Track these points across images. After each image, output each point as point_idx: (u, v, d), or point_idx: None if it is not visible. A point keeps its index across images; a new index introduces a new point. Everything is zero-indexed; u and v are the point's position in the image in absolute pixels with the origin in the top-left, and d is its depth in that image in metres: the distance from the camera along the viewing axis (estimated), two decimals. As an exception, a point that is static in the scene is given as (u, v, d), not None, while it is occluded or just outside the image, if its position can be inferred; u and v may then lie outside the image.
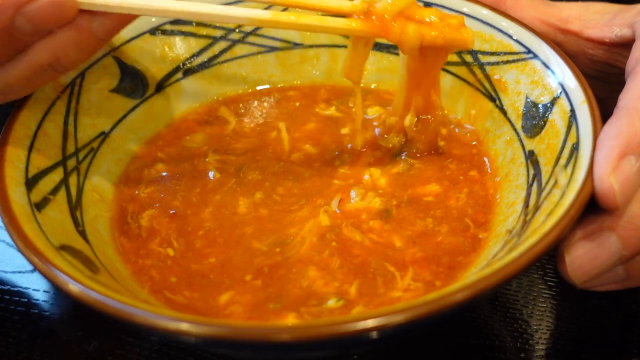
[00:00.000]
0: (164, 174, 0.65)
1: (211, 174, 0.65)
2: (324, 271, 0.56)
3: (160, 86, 0.71)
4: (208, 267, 0.57)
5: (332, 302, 0.54)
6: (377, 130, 0.68)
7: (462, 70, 0.69)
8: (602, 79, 0.66)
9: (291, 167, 0.65)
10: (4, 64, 0.54)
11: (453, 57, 0.69)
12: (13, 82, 0.55)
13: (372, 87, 0.74)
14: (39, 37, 0.53)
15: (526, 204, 0.57)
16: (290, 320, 0.52)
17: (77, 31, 0.53)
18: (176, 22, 0.71)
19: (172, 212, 0.62)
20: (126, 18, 0.56)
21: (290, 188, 0.63)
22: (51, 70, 0.55)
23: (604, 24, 0.64)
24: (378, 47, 0.73)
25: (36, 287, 0.65)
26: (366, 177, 0.64)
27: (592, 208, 0.50)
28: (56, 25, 0.53)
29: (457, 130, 0.68)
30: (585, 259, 0.51)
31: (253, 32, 0.73)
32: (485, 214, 0.60)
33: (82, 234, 0.57)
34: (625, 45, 0.62)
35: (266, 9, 0.65)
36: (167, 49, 0.71)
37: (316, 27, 0.60)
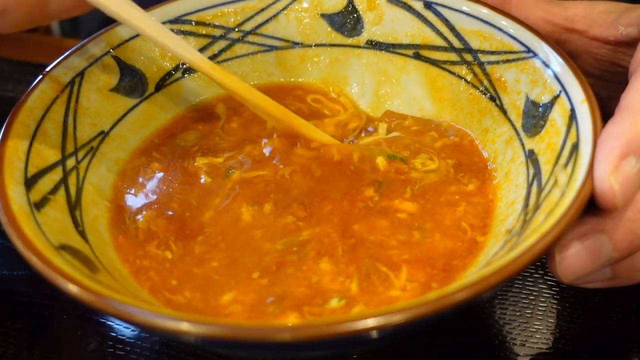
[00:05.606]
0: (159, 173, 0.65)
1: (202, 178, 0.64)
2: (333, 263, 0.56)
3: (160, 85, 0.70)
4: (212, 270, 0.57)
5: (334, 302, 0.54)
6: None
7: (461, 69, 0.68)
8: (605, 78, 0.66)
9: (285, 174, 0.64)
10: None
11: (453, 56, 0.69)
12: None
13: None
14: None
15: (526, 204, 0.57)
16: (291, 319, 0.52)
17: None
18: (175, 21, 0.71)
19: (169, 213, 0.61)
20: None
21: (286, 194, 0.62)
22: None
23: (609, 22, 0.64)
24: (378, 46, 0.73)
25: (36, 287, 0.65)
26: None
27: (586, 208, 0.50)
28: None
29: (454, 130, 0.68)
30: (575, 259, 0.51)
31: (253, 32, 0.73)
32: (483, 219, 0.60)
33: (82, 233, 0.57)
34: (631, 44, 0.62)
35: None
36: (166, 48, 0.71)
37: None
